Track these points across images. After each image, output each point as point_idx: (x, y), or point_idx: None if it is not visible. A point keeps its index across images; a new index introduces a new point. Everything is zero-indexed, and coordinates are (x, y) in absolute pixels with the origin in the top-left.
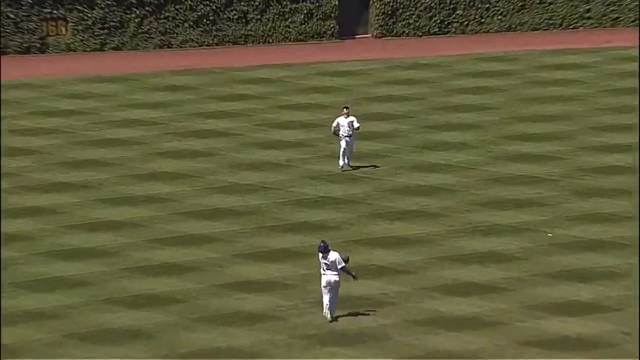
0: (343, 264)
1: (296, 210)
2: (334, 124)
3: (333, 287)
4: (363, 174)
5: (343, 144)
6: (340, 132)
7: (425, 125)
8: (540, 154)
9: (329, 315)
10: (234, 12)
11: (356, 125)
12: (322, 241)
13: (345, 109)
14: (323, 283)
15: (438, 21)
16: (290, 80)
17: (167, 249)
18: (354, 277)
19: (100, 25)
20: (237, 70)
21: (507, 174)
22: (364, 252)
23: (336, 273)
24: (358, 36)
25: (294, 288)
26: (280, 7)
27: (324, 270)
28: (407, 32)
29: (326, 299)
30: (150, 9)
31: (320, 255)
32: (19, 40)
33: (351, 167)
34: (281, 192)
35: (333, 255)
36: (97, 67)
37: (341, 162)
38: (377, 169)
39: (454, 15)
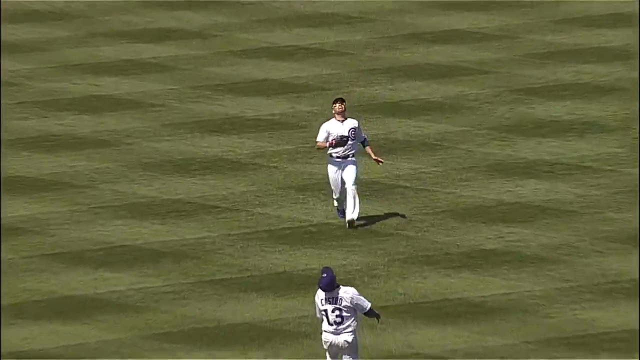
0: (368, 306)
1: (269, 251)
2: (321, 136)
3: (348, 350)
4: (396, 180)
5: (334, 172)
6: (332, 150)
7: (516, 89)
8: None
9: None
10: None
11: (361, 135)
12: (324, 269)
13: (338, 104)
14: (326, 346)
15: None
16: (258, 1)
17: (24, 327)
18: (378, 318)
19: None
20: None
21: None
22: (399, 328)
23: (351, 331)
24: None
25: None
26: None
27: (328, 325)
28: None
29: None
30: None
31: (321, 297)
32: None
33: (354, 221)
34: (241, 216)
35: (345, 293)
36: None
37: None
38: (423, 170)
39: None
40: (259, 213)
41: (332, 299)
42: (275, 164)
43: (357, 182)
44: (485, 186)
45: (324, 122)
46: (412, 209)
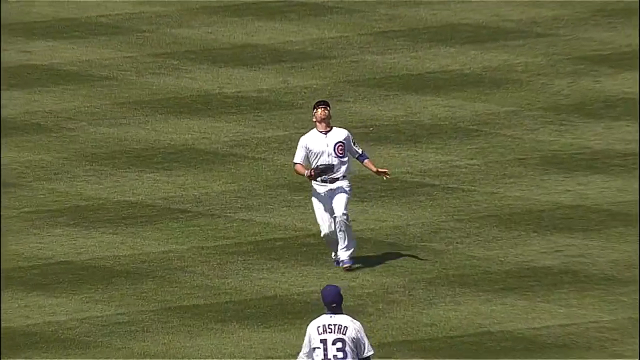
0: (371, 352)
1: (254, 269)
2: (298, 155)
3: None
4: (422, 177)
5: (320, 201)
6: (317, 171)
7: (577, 57)
8: None
9: None
10: None
11: (354, 150)
12: (332, 288)
13: (321, 109)
14: None
15: None
16: None
17: None
18: None
19: None
20: None
21: None
22: None
23: None
24: None
25: None
26: None
27: (324, 357)
28: None
29: None
30: None
31: (320, 324)
32: None
33: (350, 262)
34: (219, 224)
35: (352, 322)
36: None
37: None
38: (456, 164)
39: None
40: (242, 219)
41: (335, 326)
42: (262, 155)
43: (348, 209)
44: (538, 184)
45: (305, 133)
46: (442, 214)
